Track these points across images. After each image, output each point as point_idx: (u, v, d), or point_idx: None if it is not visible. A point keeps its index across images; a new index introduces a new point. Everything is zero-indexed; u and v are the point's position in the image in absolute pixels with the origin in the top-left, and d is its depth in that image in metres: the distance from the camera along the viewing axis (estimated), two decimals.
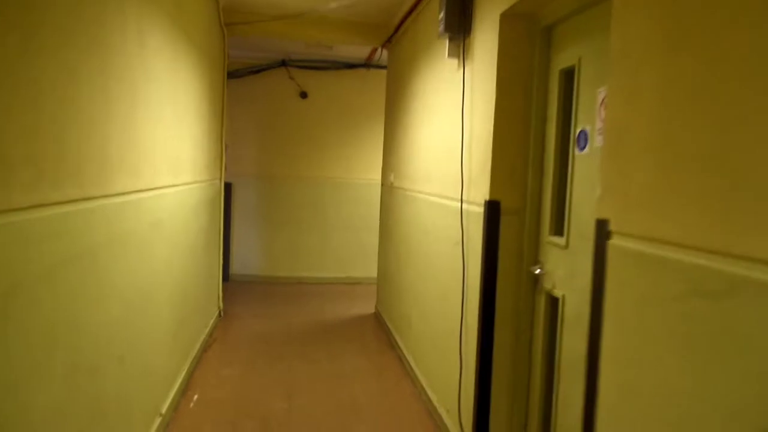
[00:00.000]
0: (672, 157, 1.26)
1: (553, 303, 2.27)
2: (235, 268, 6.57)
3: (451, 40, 2.86)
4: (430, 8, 3.59)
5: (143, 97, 2.41)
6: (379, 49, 5.51)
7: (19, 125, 1.40)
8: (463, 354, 2.68)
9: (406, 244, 4.10)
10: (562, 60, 2.23)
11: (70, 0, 1.67)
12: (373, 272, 6.12)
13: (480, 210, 2.52)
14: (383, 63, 5.95)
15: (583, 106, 2.07)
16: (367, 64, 6.40)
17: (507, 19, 2.38)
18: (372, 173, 6.54)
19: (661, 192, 1.29)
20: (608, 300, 1.50)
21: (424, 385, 3.40)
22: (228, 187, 6.31)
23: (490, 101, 2.44)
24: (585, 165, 2.04)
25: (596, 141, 1.97)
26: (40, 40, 1.49)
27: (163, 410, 2.90)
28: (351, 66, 6.44)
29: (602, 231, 1.53)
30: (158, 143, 2.70)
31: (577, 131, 2.10)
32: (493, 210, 2.41)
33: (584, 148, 2.05)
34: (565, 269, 2.16)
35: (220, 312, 4.99)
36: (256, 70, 6.35)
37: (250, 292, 6.05)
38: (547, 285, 2.29)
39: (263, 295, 5.98)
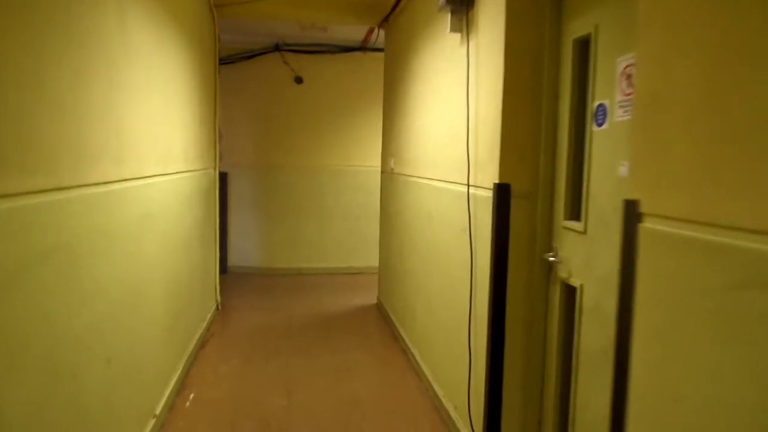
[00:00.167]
0: (723, 125, 1.09)
1: (569, 292, 2.11)
2: (233, 260, 6.42)
3: (453, 13, 2.68)
4: None
5: (124, 79, 2.23)
6: (376, 30, 5.31)
7: None
8: (472, 347, 2.53)
9: (408, 231, 3.94)
10: (576, 29, 2.06)
11: None
12: (374, 262, 5.96)
13: (488, 194, 2.35)
14: (380, 46, 5.75)
15: (601, 78, 1.90)
16: (363, 47, 6.20)
17: None
18: (371, 160, 6.36)
19: (707, 166, 1.13)
20: (640, 290, 1.34)
21: (430, 379, 3.26)
22: (223, 177, 6.15)
23: (497, 77, 2.27)
24: (604, 142, 1.88)
25: (617, 115, 1.80)
26: None
27: (158, 411, 2.76)
28: (347, 49, 6.24)
29: (632, 213, 1.37)
30: (144, 130, 2.52)
31: (595, 106, 1.93)
32: (502, 193, 2.25)
33: (603, 123, 1.88)
34: (582, 256, 2.00)
35: (217, 305, 4.84)
36: (249, 56, 6.15)
37: (249, 285, 5.91)
38: (562, 273, 2.14)
39: (262, 287, 5.83)
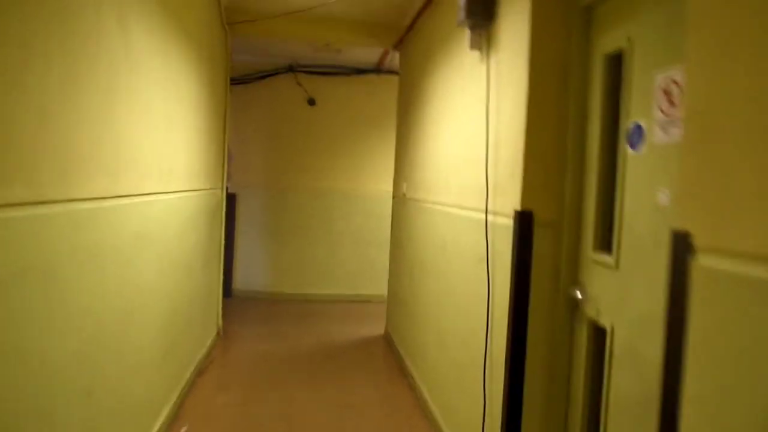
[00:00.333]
0: None
1: (598, 334, 1.90)
2: (239, 283, 6.24)
3: (472, 28, 2.53)
4: (445, 1, 3.28)
5: (125, 88, 2.10)
6: (391, 52, 5.21)
7: None
8: (488, 390, 2.31)
9: (420, 260, 3.75)
10: (607, 43, 1.89)
11: None
12: (383, 290, 5.75)
13: (509, 222, 2.16)
14: (394, 68, 5.66)
15: (637, 96, 1.72)
16: (378, 69, 6.11)
17: (540, 0, 2.05)
18: (382, 184, 6.21)
19: None
20: (693, 337, 1.14)
21: (440, 421, 3.02)
22: (232, 198, 6.02)
23: (520, 95, 2.10)
24: (640, 166, 1.69)
25: (655, 136, 1.61)
26: None
27: None
28: (361, 71, 6.15)
29: (682, 247, 1.17)
30: (145, 144, 2.38)
31: (629, 126, 1.75)
32: (524, 222, 2.06)
33: (638, 145, 1.70)
34: (613, 293, 1.80)
35: (219, 331, 4.65)
36: (263, 76, 6.08)
37: (254, 310, 5.71)
38: (590, 312, 1.93)
39: (267, 313, 5.63)
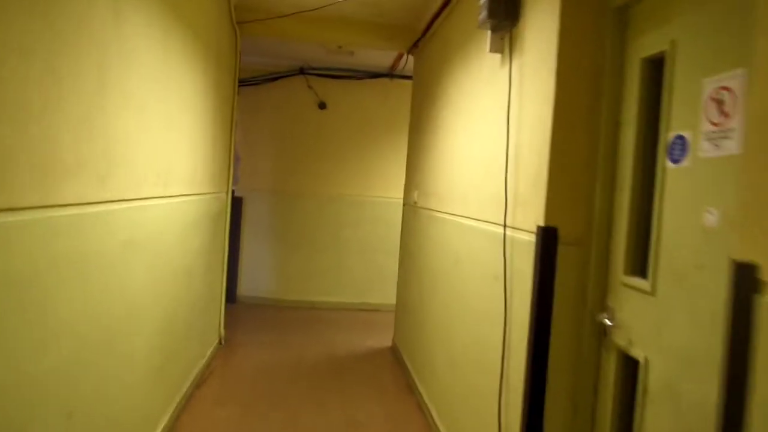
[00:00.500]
0: None
1: (629, 365, 1.72)
2: (244, 289, 6.10)
3: (494, 30, 2.37)
4: (463, 2, 3.12)
5: (118, 84, 1.95)
6: (405, 57, 5.06)
7: None
8: (504, 418, 2.13)
9: (430, 272, 3.57)
10: (645, 46, 1.72)
11: None
12: (391, 299, 5.58)
13: (530, 238, 1.99)
14: (408, 73, 5.50)
15: (680, 104, 1.55)
16: (391, 73, 5.96)
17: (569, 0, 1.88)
18: (392, 191, 6.06)
19: None
20: (760, 384, 0.96)
21: None
22: (239, 202, 5.89)
23: (546, 101, 1.94)
24: (683, 182, 1.51)
25: (702, 149, 1.44)
26: None
27: None
28: (373, 75, 6.00)
29: (745, 281, 1.00)
30: (141, 144, 2.24)
31: (670, 138, 1.58)
32: (548, 239, 1.89)
33: (681, 159, 1.52)
34: (649, 322, 1.62)
35: (221, 340, 4.49)
36: (273, 78, 5.95)
37: (258, 317, 5.56)
38: (620, 340, 1.75)
39: (272, 321, 5.48)
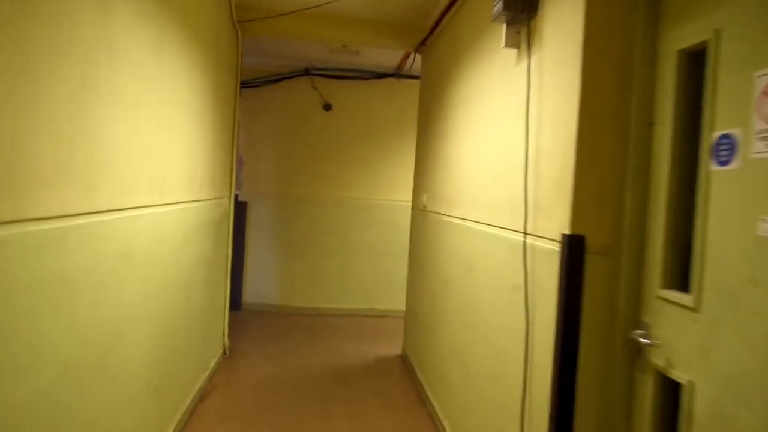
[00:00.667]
0: None
1: (669, 388, 1.56)
2: (248, 296, 5.95)
3: (509, 24, 2.21)
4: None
5: (105, 84, 1.81)
6: (412, 56, 4.91)
7: None
8: None
9: (441, 280, 3.42)
10: (683, 36, 1.55)
11: None
12: (399, 304, 5.43)
13: (553, 247, 1.83)
14: (415, 72, 5.35)
15: (726, 101, 1.39)
16: (397, 73, 5.80)
17: None
18: (399, 194, 5.91)
19: None
20: None
21: None
22: (242, 206, 5.76)
23: (570, 100, 1.78)
24: (731, 186, 1.35)
25: (754, 150, 1.28)
26: None
27: None
28: (379, 75, 5.85)
29: None
30: (132, 149, 2.09)
31: (715, 137, 1.41)
32: (574, 248, 1.73)
33: (729, 161, 1.36)
34: (693, 341, 1.45)
35: (225, 350, 4.35)
36: (277, 79, 5.81)
37: (264, 325, 5.42)
38: (658, 360, 1.58)
39: (277, 329, 5.33)
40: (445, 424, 3.10)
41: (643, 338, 1.62)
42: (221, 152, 3.89)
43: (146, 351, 2.41)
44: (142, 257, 2.26)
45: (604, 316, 1.73)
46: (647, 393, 1.62)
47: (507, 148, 2.37)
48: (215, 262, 3.89)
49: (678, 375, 1.49)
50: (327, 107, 5.90)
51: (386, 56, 5.34)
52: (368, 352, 4.78)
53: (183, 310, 3.03)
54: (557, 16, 1.92)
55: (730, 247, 1.34)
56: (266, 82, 5.80)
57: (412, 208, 4.66)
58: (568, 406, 1.75)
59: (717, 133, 1.40)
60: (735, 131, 1.34)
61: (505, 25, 2.25)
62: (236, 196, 4.65)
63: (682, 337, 1.49)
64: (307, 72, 5.80)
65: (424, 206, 4.11)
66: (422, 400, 3.68)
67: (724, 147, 1.38)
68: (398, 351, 4.78)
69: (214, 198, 3.73)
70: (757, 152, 1.27)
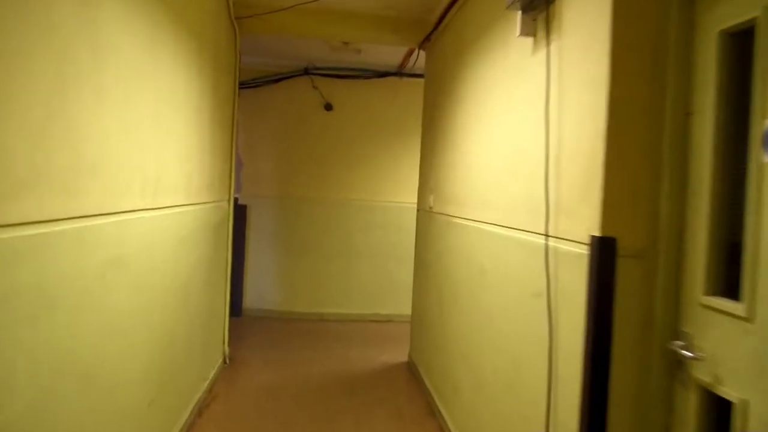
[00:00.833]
0: None
1: (716, 406, 1.40)
2: (249, 301, 5.80)
3: (525, 10, 2.07)
4: None
5: (91, 79, 1.66)
6: (416, 53, 4.76)
7: None
8: None
9: (450, 284, 3.26)
10: (724, 16, 1.41)
11: None
12: (404, 309, 5.29)
13: (579, 250, 1.68)
14: (417, 71, 5.22)
15: None
16: (400, 72, 5.66)
17: None
18: (403, 195, 5.76)
19: None
20: None
21: None
22: (242, 209, 5.61)
23: (597, 89, 1.63)
24: None
25: None
26: None
27: None
28: (381, 74, 5.71)
29: None
30: (122, 150, 1.95)
31: (766, 126, 1.26)
32: (605, 251, 1.58)
33: None
34: (745, 355, 1.30)
35: (225, 358, 4.20)
36: (276, 79, 5.66)
37: (265, 331, 5.26)
38: (702, 375, 1.43)
39: (279, 335, 5.17)
40: None
41: (685, 350, 1.47)
42: (220, 154, 3.75)
43: (141, 362, 2.26)
44: (135, 263, 2.11)
45: (639, 326, 1.58)
46: (689, 411, 1.47)
47: (522, 144, 2.23)
48: (214, 267, 3.74)
49: (727, 392, 1.34)
50: (328, 107, 5.75)
51: (388, 54, 5.19)
52: (373, 358, 4.62)
53: (181, 317, 2.88)
54: (580, 1, 1.77)
55: None
56: (266, 83, 5.66)
57: (418, 210, 4.51)
58: (599, 422, 1.60)
59: None
60: None
61: (520, 12, 2.11)
62: (236, 200, 4.50)
63: (733, 349, 1.34)
64: (307, 71, 5.66)
65: (431, 207, 3.96)
66: (431, 410, 3.52)
67: None
68: (404, 357, 4.62)
69: (213, 201, 3.59)
70: None
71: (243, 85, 5.19)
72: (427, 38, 4.16)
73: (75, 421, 1.67)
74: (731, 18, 1.39)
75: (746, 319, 1.29)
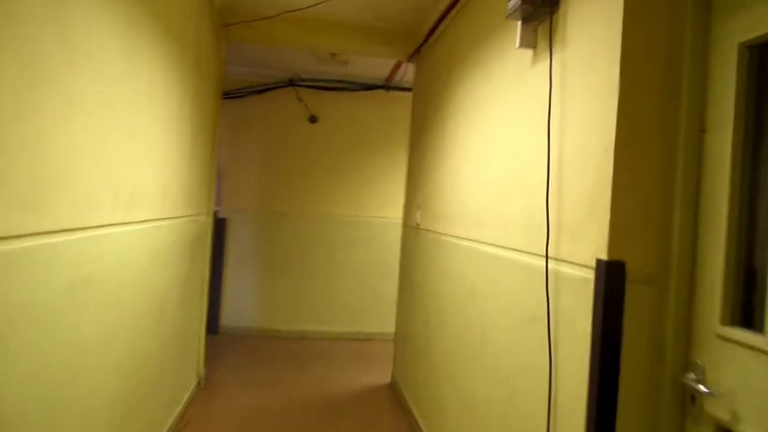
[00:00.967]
0: None
1: None
2: (227, 319, 5.60)
3: (526, 20, 1.98)
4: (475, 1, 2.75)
5: (57, 83, 1.52)
6: (404, 66, 4.69)
7: None
8: None
9: (438, 305, 3.14)
10: (746, 26, 1.32)
11: None
12: (386, 327, 5.17)
13: (583, 274, 1.57)
14: (405, 85, 5.15)
15: None
16: (387, 85, 5.58)
17: None
18: (388, 210, 5.66)
19: None
20: None
21: None
22: (221, 224, 5.44)
23: (606, 104, 1.53)
24: None
25: None
26: None
27: None
28: (369, 87, 5.62)
29: None
30: (94, 161, 1.80)
31: None
32: (613, 276, 1.47)
33: None
34: (765, 390, 1.20)
35: (200, 380, 4.00)
36: (260, 90, 5.54)
37: (243, 350, 5.06)
38: (718, 412, 1.32)
39: (258, 355, 4.98)
40: None
41: (698, 383, 1.36)
42: (199, 165, 3.59)
43: (107, 387, 2.08)
44: (105, 282, 1.95)
45: (649, 357, 1.47)
46: None
47: (520, 160, 2.13)
48: (191, 284, 3.57)
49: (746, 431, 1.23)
50: (313, 119, 5.64)
51: (376, 67, 5.11)
52: (355, 380, 4.45)
53: (153, 337, 2.70)
54: (586, 9, 1.68)
55: None
56: (249, 93, 5.53)
57: (404, 226, 4.40)
58: None
59: None
60: None
61: (520, 23, 2.02)
62: (215, 213, 4.34)
63: (753, 385, 1.23)
64: (292, 83, 5.55)
65: (418, 224, 3.85)
66: None
67: None
68: (387, 379, 4.47)
69: (191, 215, 3.42)
70: None
71: (227, 95, 5.06)
72: (417, 51, 4.08)
73: None
74: (752, 29, 1.30)
75: (766, 352, 1.19)
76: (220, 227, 5.35)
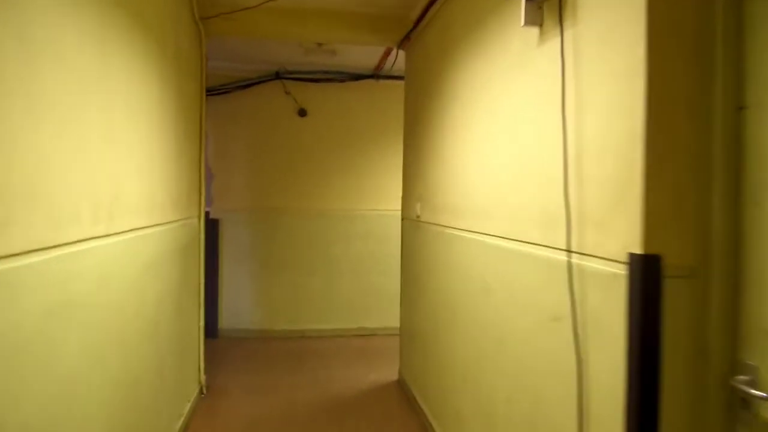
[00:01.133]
0: None
1: None
2: (225, 322, 5.45)
3: None
4: None
5: (22, 85, 1.35)
6: (394, 52, 4.51)
7: None
8: None
9: (447, 301, 3.00)
10: None
11: None
12: (389, 321, 5.06)
13: (613, 269, 1.44)
14: (395, 73, 4.97)
15: None
16: (377, 74, 5.41)
17: None
18: (385, 202, 5.51)
19: None
20: None
21: None
22: (214, 225, 5.27)
23: (632, 84, 1.39)
24: None
25: None
26: None
27: None
28: (357, 77, 5.44)
29: None
30: (68, 170, 1.63)
31: None
32: (649, 271, 1.33)
33: None
34: None
35: (202, 388, 3.86)
36: (246, 85, 5.34)
37: (244, 353, 4.92)
38: None
39: (259, 357, 4.84)
40: None
41: (750, 387, 1.24)
42: (187, 166, 3.42)
43: (100, 412, 1.93)
44: (87, 302, 1.79)
45: (693, 358, 1.34)
46: None
47: (530, 146, 1.98)
48: (186, 291, 3.42)
49: None
50: (302, 113, 5.46)
51: (364, 56, 4.93)
52: (361, 378, 4.33)
53: (149, 351, 2.55)
54: None
55: None
56: (235, 89, 5.34)
57: (403, 219, 4.25)
58: None
59: None
60: None
61: (523, 1, 1.86)
62: (207, 214, 4.18)
63: None
64: (278, 76, 5.36)
65: (418, 216, 3.71)
66: None
67: None
68: (394, 376, 4.35)
69: (181, 219, 3.26)
70: None
71: (211, 92, 4.87)
72: (407, 37, 3.91)
73: None
74: None
75: None
76: (213, 228, 5.19)
